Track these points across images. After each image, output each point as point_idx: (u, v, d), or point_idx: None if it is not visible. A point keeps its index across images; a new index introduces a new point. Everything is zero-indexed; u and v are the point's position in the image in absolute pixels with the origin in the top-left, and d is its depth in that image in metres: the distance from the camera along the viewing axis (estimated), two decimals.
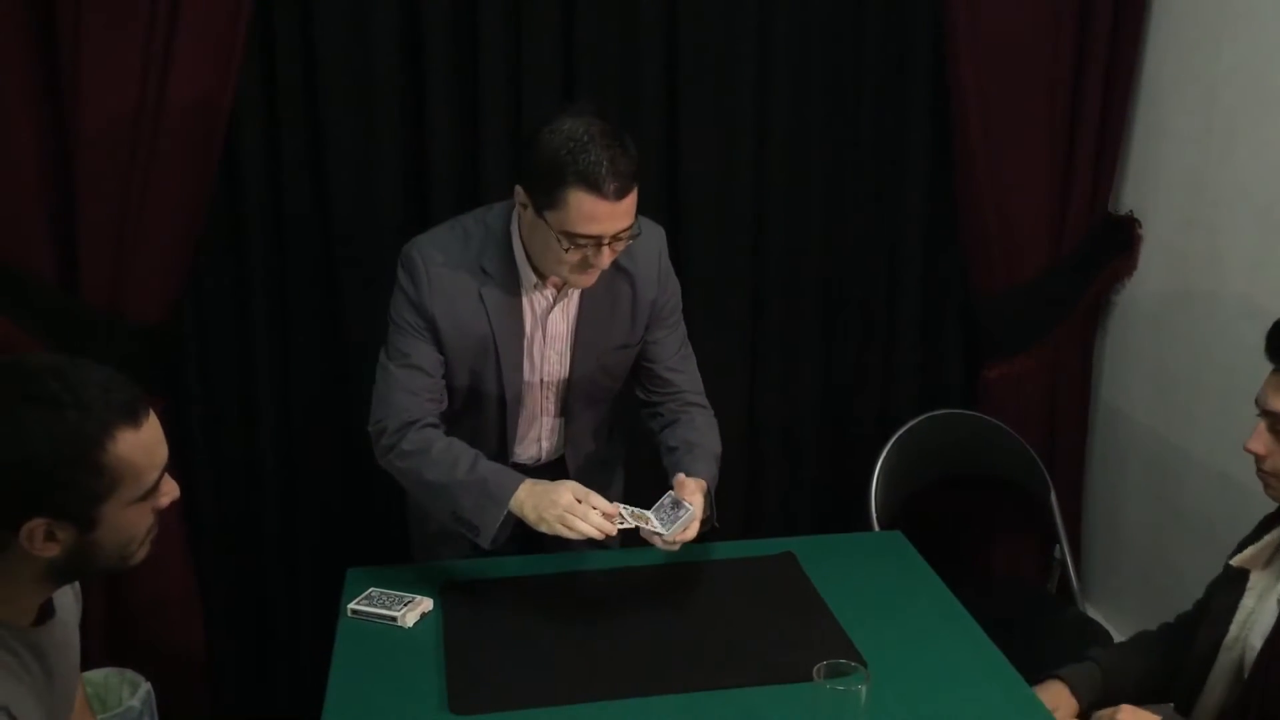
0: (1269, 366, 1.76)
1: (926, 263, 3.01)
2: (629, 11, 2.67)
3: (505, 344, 2.08)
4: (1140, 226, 2.91)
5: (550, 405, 2.21)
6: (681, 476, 2.05)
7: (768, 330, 2.98)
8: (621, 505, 1.96)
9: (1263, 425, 1.75)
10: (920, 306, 3.04)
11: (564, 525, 1.91)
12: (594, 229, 1.88)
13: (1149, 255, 2.91)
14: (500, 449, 2.21)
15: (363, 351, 2.74)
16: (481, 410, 2.16)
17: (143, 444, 1.36)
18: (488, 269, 2.05)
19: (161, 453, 1.40)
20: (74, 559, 1.36)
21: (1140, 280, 2.95)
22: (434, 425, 2.06)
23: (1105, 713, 1.79)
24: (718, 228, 2.85)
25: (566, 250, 1.91)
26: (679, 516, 1.97)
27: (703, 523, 2.02)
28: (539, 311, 2.10)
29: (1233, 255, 2.59)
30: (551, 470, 2.27)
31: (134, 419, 1.35)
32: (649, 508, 2.01)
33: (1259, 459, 1.76)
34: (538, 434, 2.25)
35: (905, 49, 2.85)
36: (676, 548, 1.99)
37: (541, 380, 2.17)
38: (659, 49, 2.71)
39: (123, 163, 2.41)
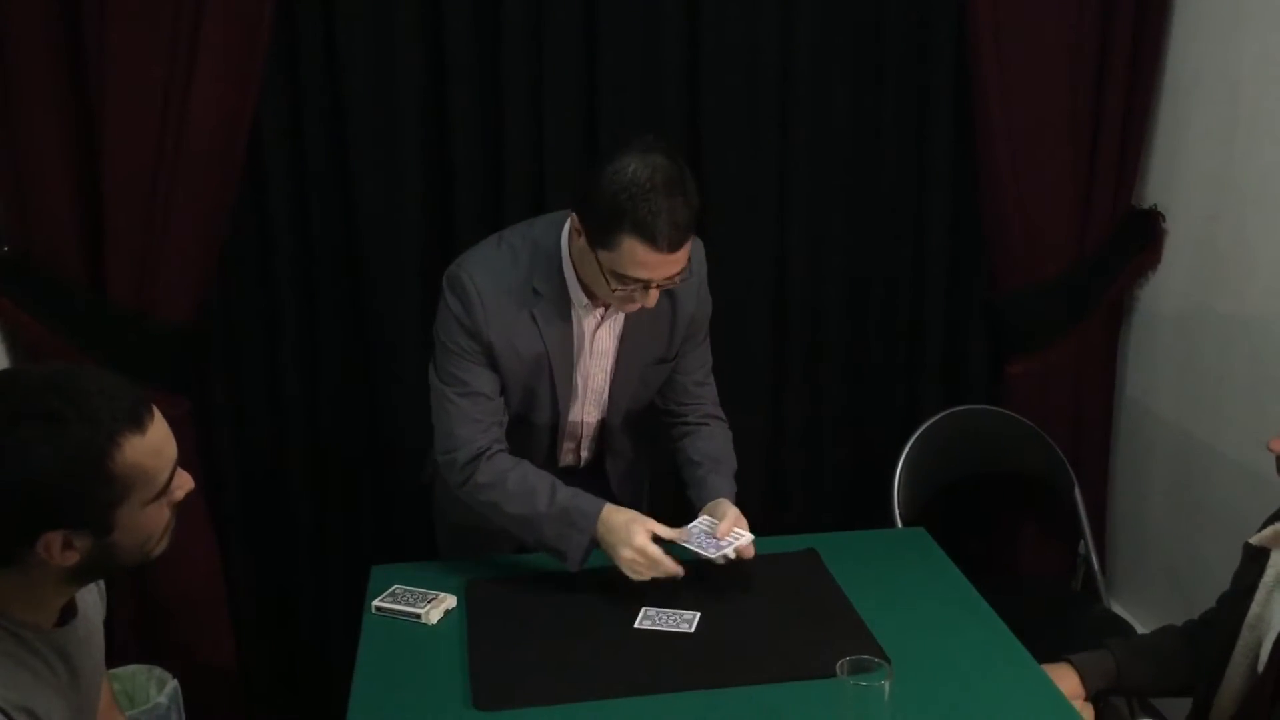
0: None
1: (949, 258, 3.00)
2: (651, 15, 2.67)
3: (559, 362, 2.09)
4: (1164, 221, 2.89)
5: (591, 417, 2.23)
6: (725, 505, 2.09)
7: (791, 327, 2.98)
8: (686, 531, 2.02)
9: None
10: (943, 302, 3.03)
11: (632, 570, 1.97)
12: (644, 275, 1.89)
13: (1173, 250, 2.89)
14: (550, 458, 2.24)
15: (388, 351, 2.77)
16: (533, 423, 2.18)
17: (150, 447, 1.34)
18: (539, 289, 2.03)
19: (170, 451, 1.39)
20: (94, 562, 1.36)
21: (1164, 275, 2.93)
22: (502, 450, 2.08)
23: None
24: (741, 227, 2.85)
25: (613, 288, 1.93)
26: (725, 545, 2.01)
27: None
28: (589, 329, 2.11)
29: (1258, 249, 2.57)
30: (591, 474, 2.30)
31: (139, 424, 1.33)
32: (684, 520, 2.07)
33: None
34: (575, 444, 2.27)
35: (927, 45, 2.84)
36: (723, 560, 2.03)
37: (586, 395, 2.19)
38: (681, 51, 2.71)
39: (148, 168, 2.43)
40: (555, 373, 2.09)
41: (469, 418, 2.05)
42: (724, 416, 2.30)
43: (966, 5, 2.72)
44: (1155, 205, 2.91)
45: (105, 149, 2.42)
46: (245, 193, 2.61)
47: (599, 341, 2.13)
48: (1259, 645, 1.79)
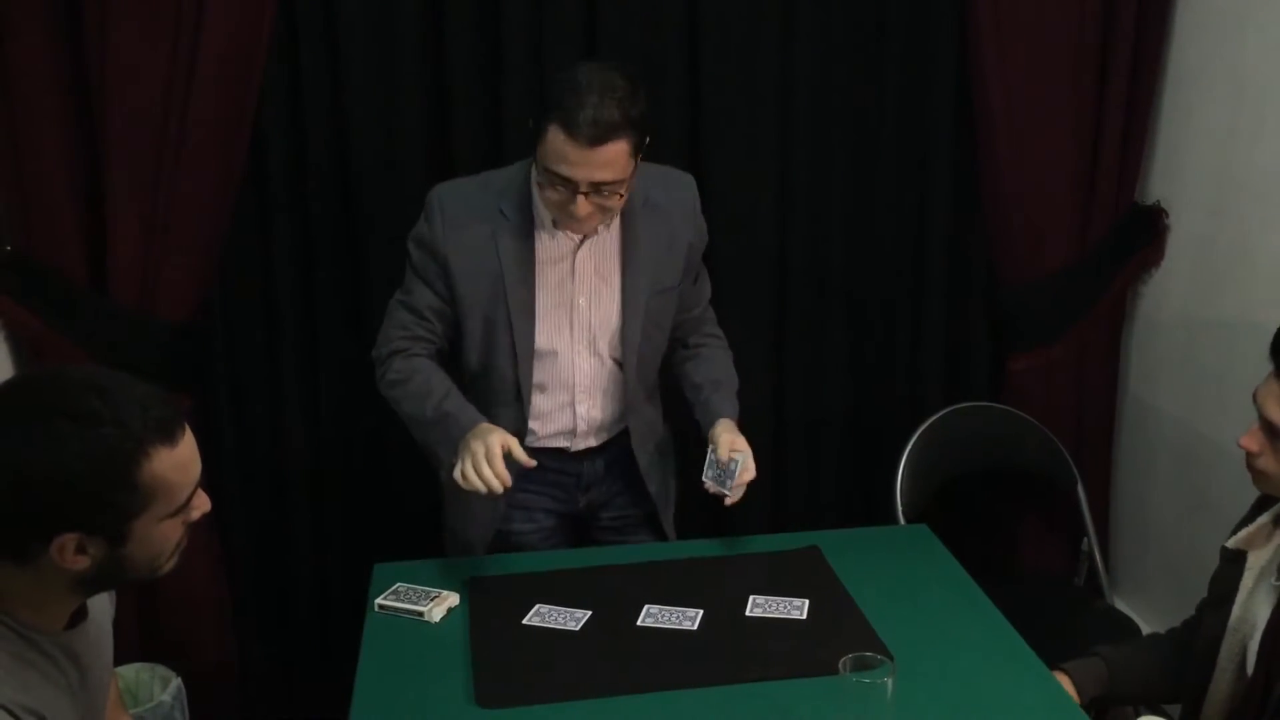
0: None
1: (951, 254, 2.99)
2: (651, 12, 2.67)
3: (514, 282, 2.09)
4: (1167, 216, 2.89)
5: (583, 358, 2.18)
6: (717, 432, 2.15)
7: (793, 323, 2.98)
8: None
9: (1258, 424, 1.76)
10: (945, 298, 3.02)
11: (463, 467, 1.93)
12: (564, 170, 1.91)
13: (1176, 245, 2.88)
14: (518, 410, 2.17)
15: None
16: (498, 363, 2.15)
17: (178, 462, 1.36)
18: (505, 211, 2.09)
19: (195, 469, 1.40)
20: (103, 571, 1.36)
21: (1167, 271, 2.92)
22: (420, 355, 2.13)
23: None
24: (742, 222, 2.84)
25: (544, 190, 1.98)
26: (732, 470, 2.09)
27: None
28: (567, 251, 2.11)
29: (1261, 244, 2.57)
30: (614, 446, 2.27)
31: (171, 438, 1.34)
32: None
33: (1251, 455, 1.76)
34: (570, 398, 2.19)
35: (929, 37, 2.83)
36: (741, 495, 2.10)
37: (573, 330, 2.16)
38: (681, 39, 2.71)
39: (150, 165, 2.44)
40: (510, 293, 2.09)
41: (401, 324, 2.14)
42: (722, 335, 2.36)
43: None
44: (1158, 201, 2.90)
45: (107, 147, 2.43)
46: (246, 191, 2.61)
47: (580, 264, 2.12)
48: (1244, 647, 1.79)
